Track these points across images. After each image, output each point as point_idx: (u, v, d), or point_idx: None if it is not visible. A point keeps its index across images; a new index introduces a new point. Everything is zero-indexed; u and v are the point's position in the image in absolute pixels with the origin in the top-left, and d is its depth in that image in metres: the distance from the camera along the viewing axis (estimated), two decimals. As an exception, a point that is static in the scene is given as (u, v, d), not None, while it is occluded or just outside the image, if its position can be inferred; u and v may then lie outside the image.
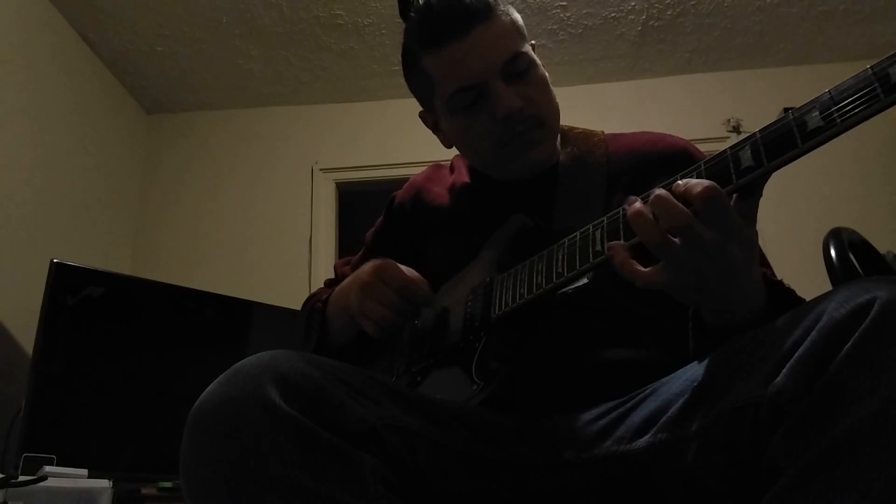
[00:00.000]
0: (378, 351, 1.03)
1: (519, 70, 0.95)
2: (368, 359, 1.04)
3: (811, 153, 0.62)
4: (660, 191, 0.64)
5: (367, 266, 0.95)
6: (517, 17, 0.98)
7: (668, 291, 0.67)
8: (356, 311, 0.93)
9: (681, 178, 0.68)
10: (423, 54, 0.96)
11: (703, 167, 0.68)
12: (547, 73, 0.99)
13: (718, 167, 0.66)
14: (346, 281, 1.04)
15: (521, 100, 0.94)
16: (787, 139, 0.62)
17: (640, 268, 0.66)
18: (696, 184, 0.63)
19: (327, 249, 3.04)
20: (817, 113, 0.60)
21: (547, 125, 0.98)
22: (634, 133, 1.05)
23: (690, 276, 0.64)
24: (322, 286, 1.20)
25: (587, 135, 1.06)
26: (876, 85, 0.57)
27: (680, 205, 0.62)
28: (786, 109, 0.64)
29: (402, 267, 0.94)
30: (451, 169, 1.14)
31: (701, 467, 0.63)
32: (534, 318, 0.88)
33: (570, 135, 1.07)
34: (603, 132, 1.07)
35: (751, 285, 0.68)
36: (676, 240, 0.63)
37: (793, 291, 0.76)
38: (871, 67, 0.57)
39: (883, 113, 0.57)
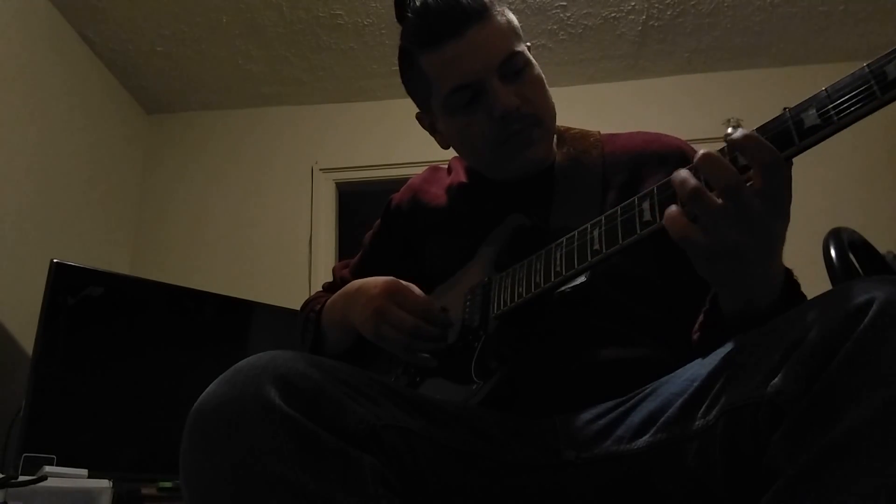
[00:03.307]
0: (377, 352, 1.03)
1: (515, 69, 0.95)
2: (368, 359, 1.04)
3: (810, 152, 0.62)
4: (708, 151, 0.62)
5: (374, 288, 0.93)
6: (512, 17, 0.98)
7: (699, 258, 0.65)
8: (373, 337, 0.92)
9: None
10: (419, 54, 0.96)
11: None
12: (543, 74, 0.99)
13: None
14: (340, 295, 1.02)
15: (517, 98, 0.94)
16: (783, 137, 0.62)
17: (683, 216, 0.64)
18: (758, 145, 0.61)
19: (327, 249, 3.04)
20: (814, 111, 0.60)
21: (544, 124, 0.98)
22: (630, 133, 1.05)
23: (728, 241, 0.62)
24: (320, 290, 1.20)
25: (583, 135, 1.06)
26: (872, 83, 0.57)
27: (730, 166, 0.61)
28: (785, 109, 0.64)
29: (412, 286, 0.92)
30: (449, 170, 1.14)
31: (701, 467, 0.63)
32: (533, 318, 0.88)
33: (566, 135, 1.07)
34: (599, 132, 1.07)
35: (777, 268, 0.69)
36: (720, 201, 0.61)
37: (798, 284, 0.75)
38: (867, 65, 0.57)
39: (883, 111, 0.58)
